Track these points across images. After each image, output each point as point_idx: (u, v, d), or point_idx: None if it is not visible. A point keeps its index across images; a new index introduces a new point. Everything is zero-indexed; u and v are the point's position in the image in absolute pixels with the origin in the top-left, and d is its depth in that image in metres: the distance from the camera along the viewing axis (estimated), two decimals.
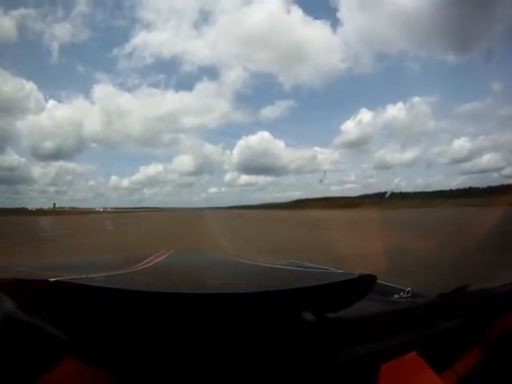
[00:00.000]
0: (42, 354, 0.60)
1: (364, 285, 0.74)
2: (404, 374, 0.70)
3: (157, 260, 1.14)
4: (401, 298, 0.95)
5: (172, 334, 0.65)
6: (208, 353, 0.65)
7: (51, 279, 0.65)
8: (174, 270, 1.15)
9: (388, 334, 0.75)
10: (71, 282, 0.65)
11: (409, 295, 0.95)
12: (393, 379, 0.69)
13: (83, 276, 0.73)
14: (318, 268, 1.37)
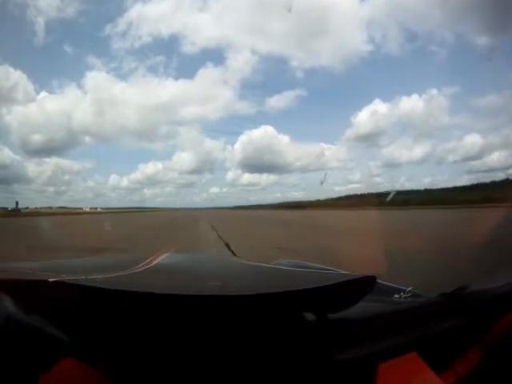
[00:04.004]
0: (42, 354, 0.60)
1: (364, 285, 0.74)
2: (404, 374, 0.70)
3: (157, 261, 1.14)
4: (401, 297, 0.95)
5: (172, 335, 0.65)
6: (208, 354, 0.65)
7: (51, 280, 0.65)
8: (174, 271, 1.15)
9: (388, 334, 0.75)
10: (71, 283, 0.65)
11: (409, 295, 0.95)
12: (393, 379, 0.69)
13: (83, 277, 0.73)
14: (318, 268, 1.38)
